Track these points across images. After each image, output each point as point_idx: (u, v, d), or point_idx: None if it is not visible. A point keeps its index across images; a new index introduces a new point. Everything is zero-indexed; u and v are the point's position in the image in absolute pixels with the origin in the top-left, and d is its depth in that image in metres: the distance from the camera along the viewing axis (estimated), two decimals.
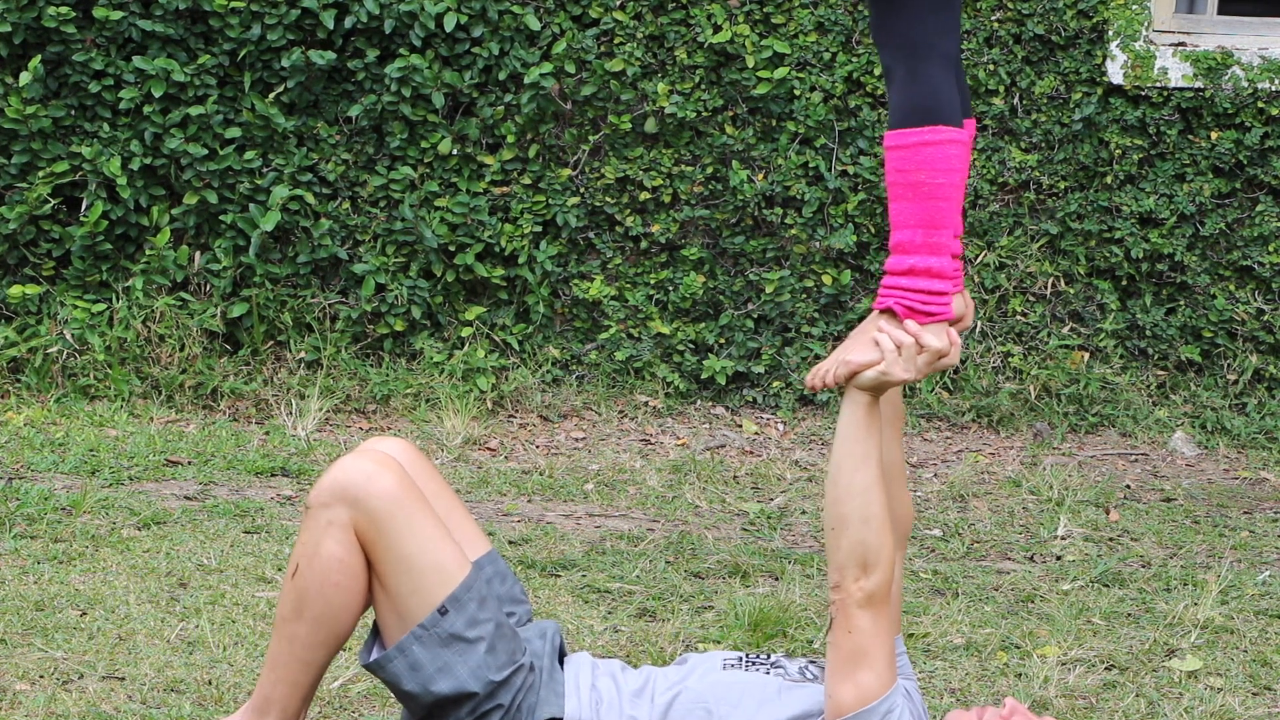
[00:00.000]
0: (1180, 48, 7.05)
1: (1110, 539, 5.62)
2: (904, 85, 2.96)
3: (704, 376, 6.89)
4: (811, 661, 3.37)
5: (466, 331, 6.82)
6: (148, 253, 6.64)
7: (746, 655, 3.35)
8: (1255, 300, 7.06)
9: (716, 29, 6.85)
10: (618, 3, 6.85)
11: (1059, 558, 5.41)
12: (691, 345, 6.94)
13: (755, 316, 6.97)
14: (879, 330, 3.09)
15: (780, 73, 6.82)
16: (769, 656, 3.36)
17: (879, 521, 3.06)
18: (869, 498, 3.06)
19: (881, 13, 2.98)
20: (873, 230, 6.95)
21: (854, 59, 6.89)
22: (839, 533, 3.07)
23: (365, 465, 3.19)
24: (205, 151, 6.64)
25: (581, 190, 6.91)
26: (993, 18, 6.94)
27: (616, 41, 6.85)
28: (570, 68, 6.79)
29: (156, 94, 6.57)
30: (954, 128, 2.96)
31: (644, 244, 6.96)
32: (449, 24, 6.66)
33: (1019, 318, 7.05)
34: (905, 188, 2.99)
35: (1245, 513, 6.02)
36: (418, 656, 3.16)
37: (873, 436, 3.09)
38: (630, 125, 6.86)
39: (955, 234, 3.07)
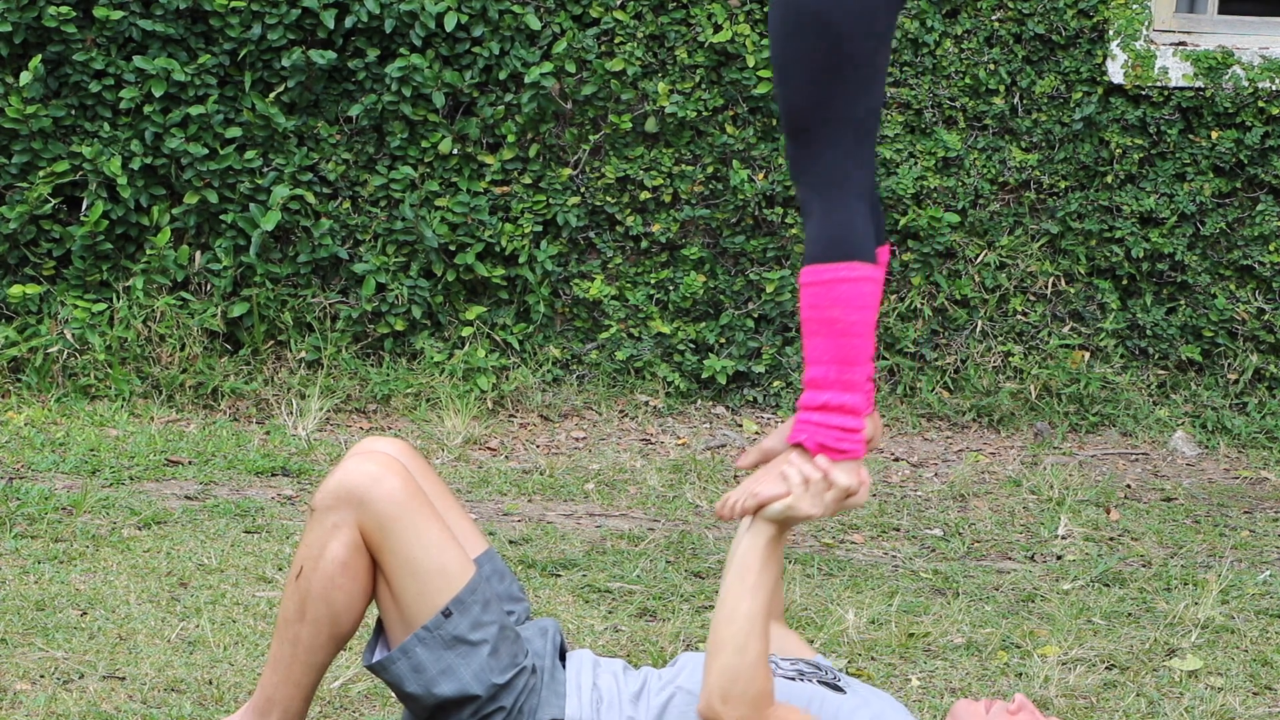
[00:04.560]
0: (1180, 47, 7.05)
1: (1111, 538, 5.62)
2: (819, 220, 2.97)
3: (704, 376, 6.89)
4: (806, 660, 3.36)
5: (467, 331, 6.82)
6: (148, 252, 6.64)
7: None
8: (1256, 300, 7.06)
9: (717, 28, 6.85)
10: (618, 2, 6.85)
11: (1059, 557, 5.41)
12: (692, 345, 6.94)
13: (756, 316, 6.97)
14: (788, 464, 3.05)
15: None
16: None
17: (754, 655, 2.97)
18: (751, 627, 2.98)
19: (798, 151, 3.00)
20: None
21: None
22: (713, 656, 2.99)
23: (370, 468, 3.19)
24: (205, 151, 6.63)
25: (582, 190, 6.91)
26: (993, 17, 6.94)
27: (617, 41, 6.85)
28: (570, 67, 6.79)
29: (157, 94, 6.57)
30: (868, 264, 2.98)
31: (644, 244, 6.96)
32: (449, 23, 6.66)
33: (1019, 317, 7.06)
34: (819, 324, 2.99)
35: (1246, 512, 6.02)
36: (421, 658, 3.16)
37: (769, 570, 3.03)
38: (631, 125, 6.86)
39: (869, 369, 3.06)
